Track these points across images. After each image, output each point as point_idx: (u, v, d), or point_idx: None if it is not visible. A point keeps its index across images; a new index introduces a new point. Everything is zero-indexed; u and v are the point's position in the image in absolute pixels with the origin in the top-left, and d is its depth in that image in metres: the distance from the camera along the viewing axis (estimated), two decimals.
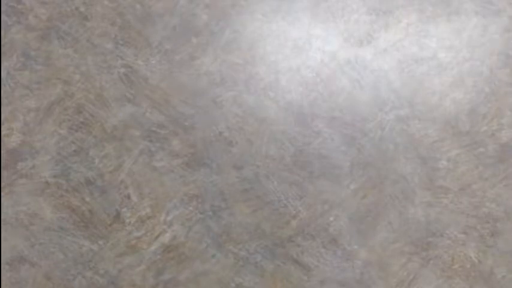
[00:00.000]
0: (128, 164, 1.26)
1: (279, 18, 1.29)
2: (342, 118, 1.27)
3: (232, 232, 1.26)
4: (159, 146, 1.27)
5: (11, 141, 1.26)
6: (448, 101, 1.27)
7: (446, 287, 1.25)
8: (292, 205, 1.26)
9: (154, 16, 1.29)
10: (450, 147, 1.26)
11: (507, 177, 1.26)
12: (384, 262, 1.25)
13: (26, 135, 1.26)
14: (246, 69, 1.28)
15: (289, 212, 1.26)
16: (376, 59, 1.28)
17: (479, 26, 1.28)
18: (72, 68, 1.28)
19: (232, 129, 1.27)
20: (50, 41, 1.28)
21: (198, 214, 1.26)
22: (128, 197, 1.26)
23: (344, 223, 1.26)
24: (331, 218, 1.26)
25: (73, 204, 1.26)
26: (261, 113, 1.27)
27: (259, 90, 1.27)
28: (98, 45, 1.28)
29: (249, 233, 1.26)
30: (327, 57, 1.28)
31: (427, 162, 1.26)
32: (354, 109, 1.27)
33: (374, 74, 1.27)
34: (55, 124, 1.27)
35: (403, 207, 1.26)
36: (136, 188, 1.26)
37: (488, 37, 1.28)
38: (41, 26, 1.29)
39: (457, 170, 1.26)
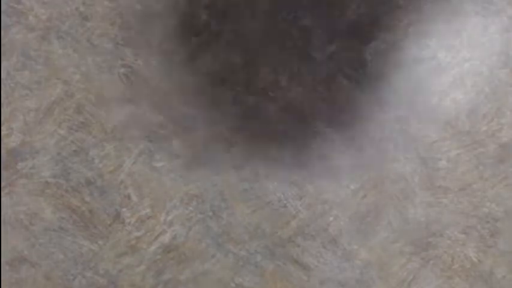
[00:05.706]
0: (128, 164, 1.26)
1: None
2: (342, 118, 1.27)
3: (232, 232, 1.26)
4: (159, 146, 1.27)
5: (11, 141, 1.26)
6: (448, 101, 1.27)
7: (446, 287, 1.25)
8: (292, 205, 1.26)
9: (155, 16, 1.29)
10: (450, 147, 1.26)
11: (507, 177, 1.26)
12: (384, 262, 1.25)
13: (26, 135, 1.26)
14: (246, 69, 1.28)
15: (289, 212, 1.26)
16: (376, 59, 1.28)
17: (479, 26, 1.28)
18: (72, 68, 1.28)
19: (232, 129, 1.27)
20: (50, 41, 1.28)
21: (198, 214, 1.26)
22: (128, 197, 1.26)
23: (344, 223, 1.26)
24: (331, 218, 1.26)
25: (73, 204, 1.26)
26: (261, 113, 1.27)
27: (259, 90, 1.27)
28: (98, 45, 1.28)
29: (249, 233, 1.26)
30: (327, 57, 1.28)
31: (427, 162, 1.26)
32: (354, 109, 1.27)
33: (374, 74, 1.27)
34: (55, 124, 1.27)
35: (403, 207, 1.26)
36: (136, 188, 1.26)
37: (488, 37, 1.28)
38: (41, 26, 1.29)
39: (457, 170, 1.26)
